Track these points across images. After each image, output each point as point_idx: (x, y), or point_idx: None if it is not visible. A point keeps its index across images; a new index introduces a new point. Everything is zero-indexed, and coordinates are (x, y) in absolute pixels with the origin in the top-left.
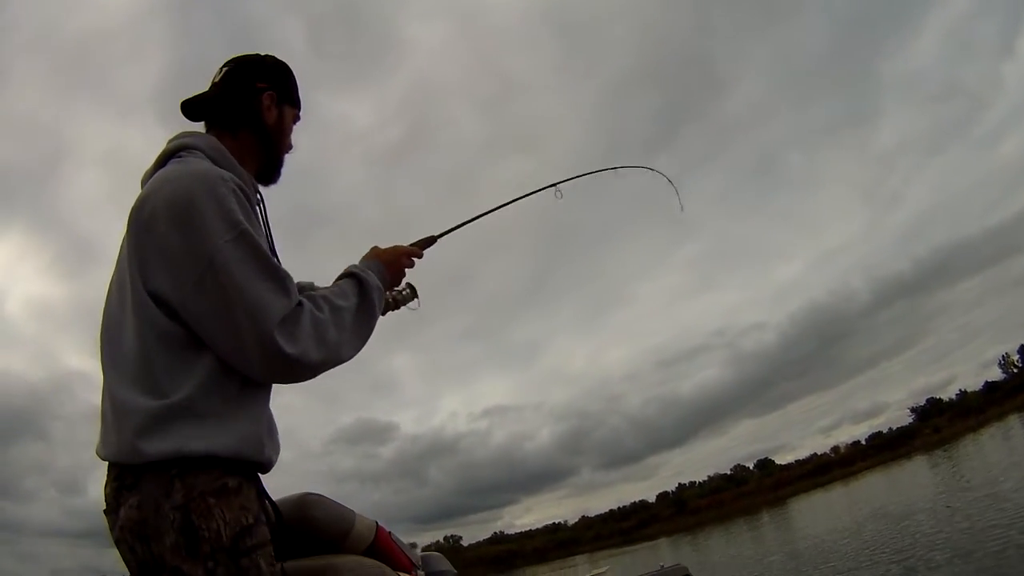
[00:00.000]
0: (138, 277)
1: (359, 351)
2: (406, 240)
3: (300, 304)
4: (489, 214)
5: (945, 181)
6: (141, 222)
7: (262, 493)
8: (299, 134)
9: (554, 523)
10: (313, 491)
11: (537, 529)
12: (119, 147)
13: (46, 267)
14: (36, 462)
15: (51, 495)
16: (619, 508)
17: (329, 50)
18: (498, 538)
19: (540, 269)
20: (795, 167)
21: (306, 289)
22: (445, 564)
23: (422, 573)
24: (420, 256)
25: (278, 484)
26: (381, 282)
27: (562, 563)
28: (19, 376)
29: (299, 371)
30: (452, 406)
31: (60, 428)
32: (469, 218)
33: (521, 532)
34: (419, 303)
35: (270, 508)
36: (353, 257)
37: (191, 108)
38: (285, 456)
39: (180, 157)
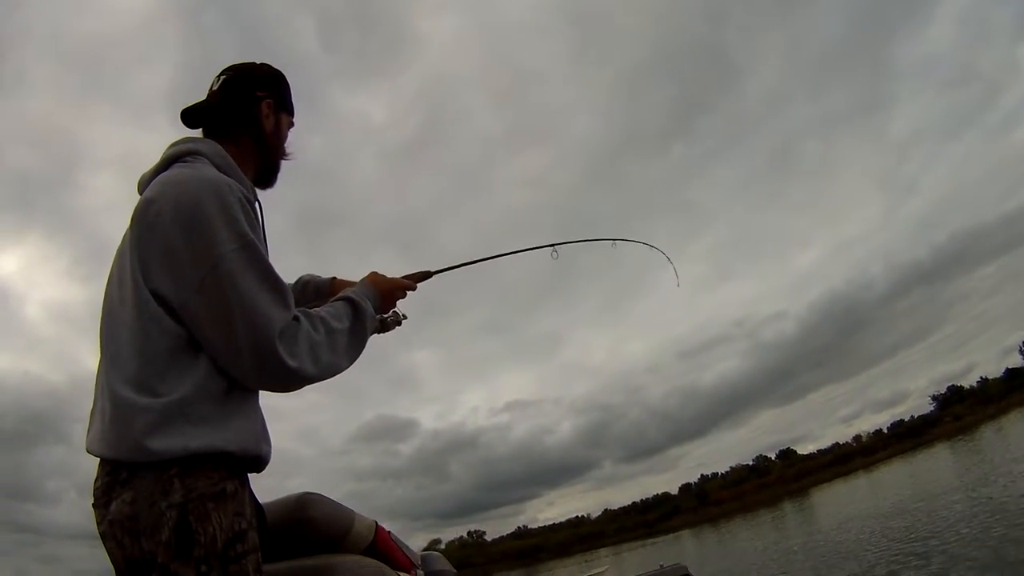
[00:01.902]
0: (140, 275)
1: (346, 370)
2: (412, 246)
3: (297, 319)
4: (486, 260)
5: (961, 167)
6: (146, 222)
7: (253, 497)
8: (313, 134)
9: (577, 516)
10: (313, 490)
11: (561, 523)
12: (133, 150)
13: (64, 271)
14: (58, 465)
15: (73, 497)
16: (642, 500)
17: (341, 47)
18: (522, 532)
19: (558, 262)
20: (811, 156)
21: (308, 284)
22: (445, 564)
23: (421, 572)
24: (414, 289)
25: (300, 483)
26: (375, 309)
27: (585, 556)
28: (40, 379)
29: (293, 383)
30: (473, 401)
31: (81, 431)
32: (466, 261)
33: (545, 526)
34: (399, 329)
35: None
36: (367, 257)
37: (190, 116)
38: (306, 454)
39: (186, 162)
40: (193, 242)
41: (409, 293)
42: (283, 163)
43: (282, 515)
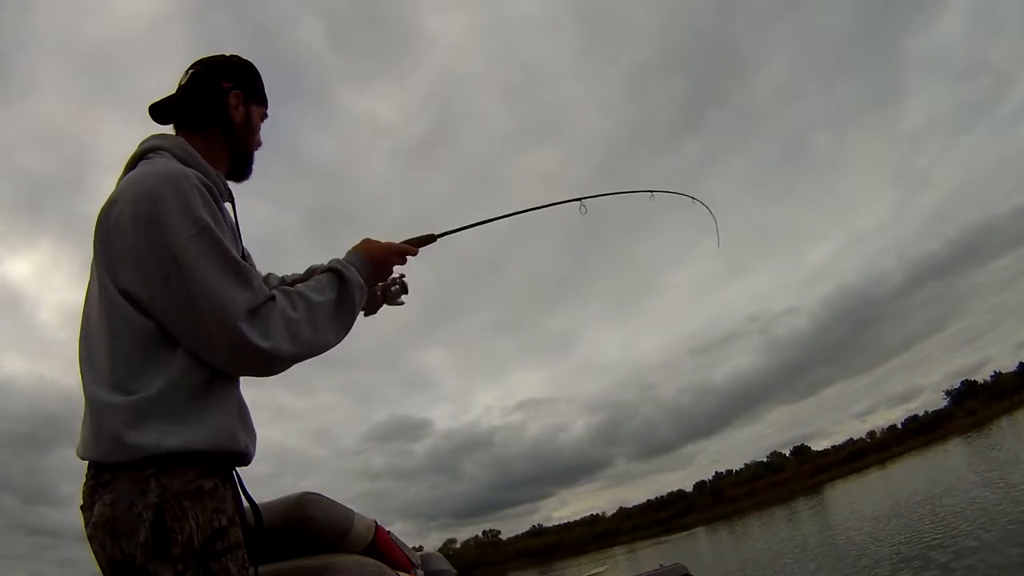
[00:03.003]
0: (107, 276)
1: (336, 344)
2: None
3: (272, 298)
4: (498, 220)
5: (973, 160)
6: (109, 223)
7: (239, 494)
8: (324, 134)
9: (592, 515)
10: (326, 491)
11: (575, 521)
12: None
13: (77, 274)
14: (73, 468)
15: None
16: (656, 498)
17: (350, 47)
18: (537, 531)
19: (571, 259)
20: (822, 150)
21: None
22: (444, 564)
23: (421, 572)
24: (414, 254)
25: (313, 483)
26: (365, 279)
27: (600, 555)
28: (54, 382)
29: (270, 364)
30: (486, 400)
31: None
32: (475, 221)
33: (560, 525)
34: (405, 299)
35: (249, 508)
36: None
37: (159, 111)
38: (320, 454)
39: (148, 159)
40: (152, 236)
41: (416, 269)
42: (297, 165)
43: (282, 515)
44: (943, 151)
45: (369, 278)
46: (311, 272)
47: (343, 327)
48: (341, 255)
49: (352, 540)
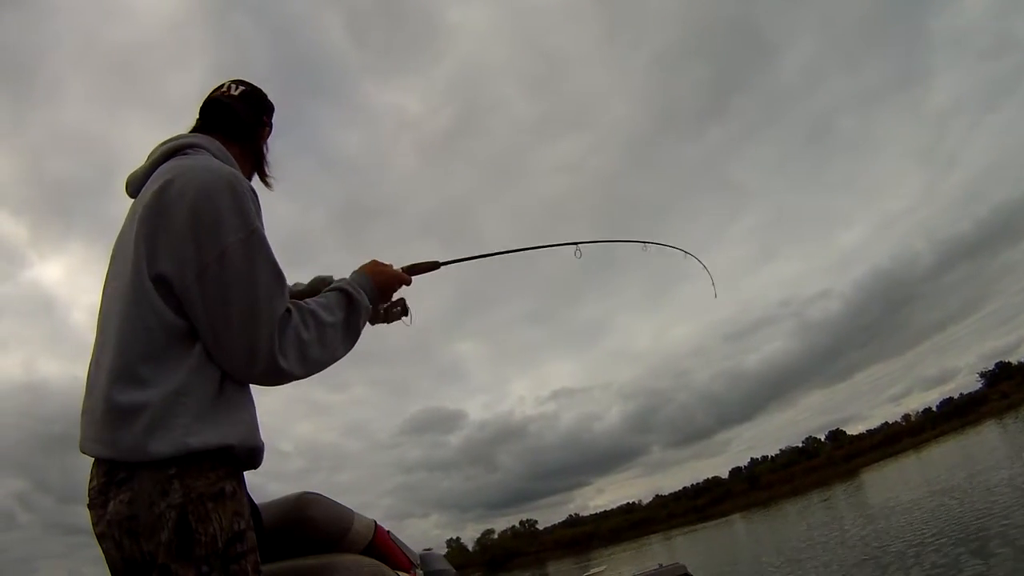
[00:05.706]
0: (144, 261)
1: (337, 362)
2: (451, 239)
3: (288, 312)
4: (501, 255)
5: (1002, 138)
6: (155, 207)
7: (250, 497)
8: (350, 129)
9: (628, 503)
10: (361, 484)
11: (612, 510)
12: None
13: None
14: None
15: None
16: (692, 485)
17: (372, 42)
18: (573, 520)
19: (601, 246)
20: (849, 132)
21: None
22: (444, 563)
23: (421, 572)
24: (408, 283)
25: (348, 477)
26: (370, 300)
27: (636, 543)
28: None
29: (279, 380)
30: (519, 390)
31: None
32: (479, 254)
33: (596, 514)
34: (411, 319)
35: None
36: (410, 249)
37: (207, 108)
38: (354, 448)
39: (187, 154)
40: (201, 227)
41: (420, 284)
42: (322, 161)
43: (281, 515)
44: (971, 130)
45: (373, 300)
46: (320, 283)
47: (347, 346)
48: (373, 250)
49: (351, 540)
